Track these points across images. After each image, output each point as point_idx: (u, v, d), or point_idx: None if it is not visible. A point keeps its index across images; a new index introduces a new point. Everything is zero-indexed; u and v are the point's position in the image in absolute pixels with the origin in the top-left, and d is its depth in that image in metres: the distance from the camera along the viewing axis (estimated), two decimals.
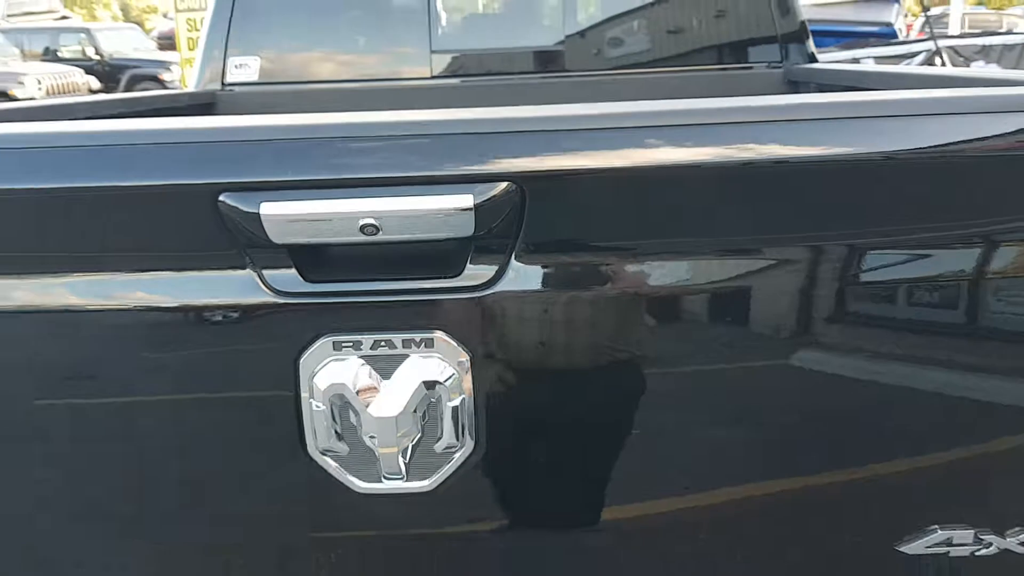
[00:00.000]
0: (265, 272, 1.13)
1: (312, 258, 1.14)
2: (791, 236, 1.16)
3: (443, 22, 3.29)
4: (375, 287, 1.15)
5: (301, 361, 1.15)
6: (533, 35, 3.41)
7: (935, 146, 1.12)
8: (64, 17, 26.65)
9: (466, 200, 1.07)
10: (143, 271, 1.16)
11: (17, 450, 1.21)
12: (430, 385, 1.15)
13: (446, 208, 1.07)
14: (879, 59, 9.27)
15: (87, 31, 21.09)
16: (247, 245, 1.11)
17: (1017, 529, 1.23)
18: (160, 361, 1.18)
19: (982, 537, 1.23)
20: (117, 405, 1.19)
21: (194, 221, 1.11)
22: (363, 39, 3.34)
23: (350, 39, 3.29)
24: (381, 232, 1.08)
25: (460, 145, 1.09)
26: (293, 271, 1.13)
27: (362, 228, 1.08)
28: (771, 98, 1.21)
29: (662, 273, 1.17)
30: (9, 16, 25.38)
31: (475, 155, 1.09)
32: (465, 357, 1.15)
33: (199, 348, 1.18)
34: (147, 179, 1.11)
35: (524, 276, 1.14)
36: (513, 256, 1.13)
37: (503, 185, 1.08)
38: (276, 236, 1.09)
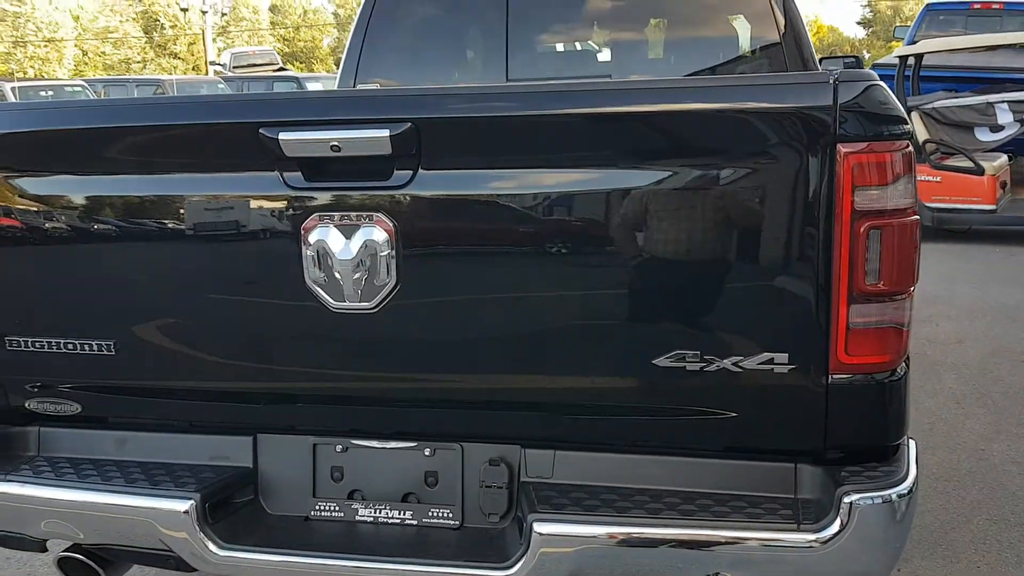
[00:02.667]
0: (283, 174, 2.02)
1: (309, 167, 2.01)
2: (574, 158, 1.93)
3: (517, 55, 4.18)
4: (343, 185, 2.01)
5: (302, 227, 2.02)
6: (592, 66, 4.26)
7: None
8: (282, 69, 30.01)
9: (384, 133, 1.91)
10: (218, 172, 2.08)
11: (137, 287, 2.16)
12: (371, 243, 1.99)
13: (374, 137, 1.92)
14: (1012, 103, 9.32)
15: (297, 80, 23.80)
16: (274, 158, 2.00)
17: (733, 357, 1.91)
18: (221, 229, 2.08)
19: (707, 358, 1.92)
20: (192, 253, 2.11)
21: (247, 143, 2.00)
22: (455, 71, 4.30)
23: (445, 70, 4.25)
24: (342, 150, 1.95)
25: (382, 102, 1.95)
26: (299, 174, 2.01)
27: (331, 147, 1.95)
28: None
29: (511, 183, 1.97)
30: (235, 68, 28.91)
31: (391, 107, 1.94)
32: (392, 227, 1.98)
33: (245, 221, 2.08)
34: (230, 119, 2.04)
35: (428, 180, 1.97)
36: (420, 167, 1.96)
37: (407, 124, 1.92)
38: (289, 152, 1.98)
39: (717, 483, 2.02)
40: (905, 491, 1.89)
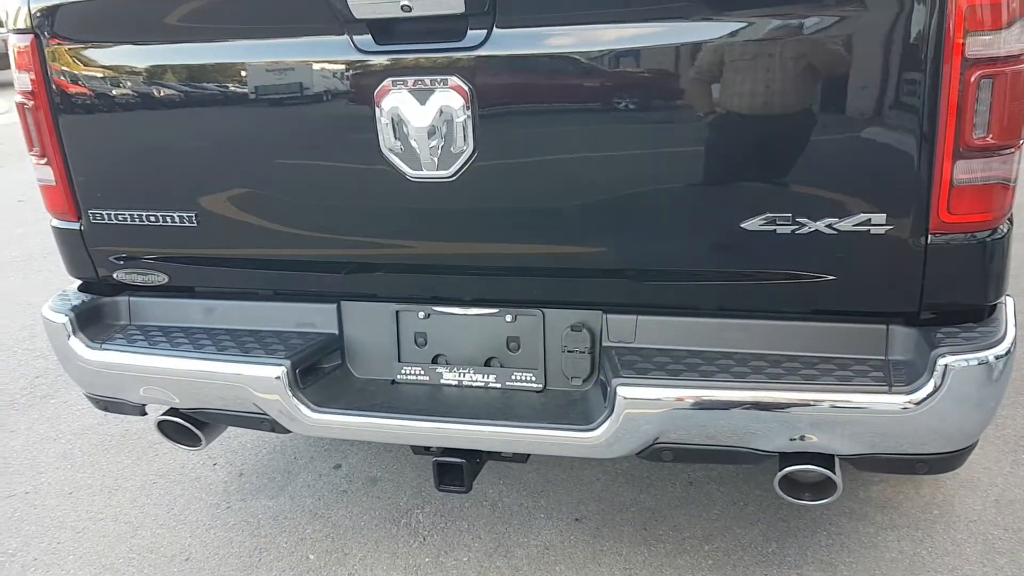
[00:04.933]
0: (353, 37, 1.94)
1: (380, 29, 1.92)
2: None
3: None
4: (415, 47, 1.92)
5: (375, 93, 1.96)
6: None
7: None
8: None
9: None
10: (288, 36, 2.01)
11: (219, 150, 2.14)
12: (447, 108, 1.93)
13: None
14: None
15: None
16: (344, 20, 1.92)
17: (827, 219, 1.84)
18: (294, 97, 2.03)
19: (799, 220, 1.85)
20: (265, 123, 2.07)
21: (315, 5, 1.92)
22: None
23: None
24: (413, 10, 1.85)
25: None
26: (369, 37, 1.93)
27: (402, 7, 1.85)
28: None
29: (590, 39, 1.86)
30: None
31: None
32: (468, 91, 1.91)
33: (318, 88, 2.02)
34: None
35: (504, 40, 1.87)
36: (495, 26, 1.86)
37: None
38: (358, 14, 1.89)
39: (805, 346, 1.99)
40: (1003, 352, 1.84)
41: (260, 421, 2.25)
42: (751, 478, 2.94)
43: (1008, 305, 1.98)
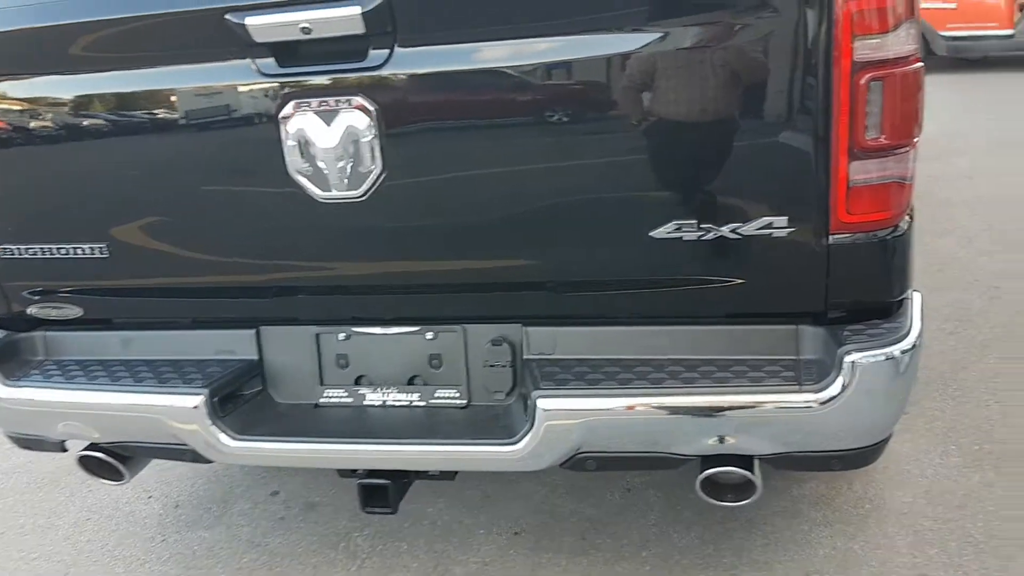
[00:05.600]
0: (256, 61, 1.93)
1: (282, 52, 1.92)
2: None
3: None
4: (318, 69, 1.92)
5: (280, 115, 1.95)
6: None
7: None
8: None
9: (355, 10, 1.81)
10: (191, 63, 1.99)
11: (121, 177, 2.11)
12: (353, 129, 1.92)
13: (345, 15, 1.82)
14: None
15: None
16: (246, 44, 1.91)
17: (731, 224, 1.86)
18: (201, 123, 2.01)
19: (704, 226, 1.87)
20: (171, 150, 2.05)
21: (215, 30, 1.90)
22: None
23: None
24: (313, 32, 1.85)
25: None
26: (272, 60, 1.92)
27: (301, 29, 1.85)
28: None
29: (492, 55, 1.87)
30: None
31: None
32: (373, 110, 1.91)
33: (224, 113, 2.00)
34: (193, 6, 1.93)
35: (406, 58, 1.88)
36: (396, 45, 1.87)
37: (379, 0, 1.81)
38: (258, 37, 1.88)
39: (720, 349, 2.01)
40: (908, 347, 1.88)
41: (181, 452, 2.22)
42: (688, 483, 2.96)
43: (915, 300, 2.03)
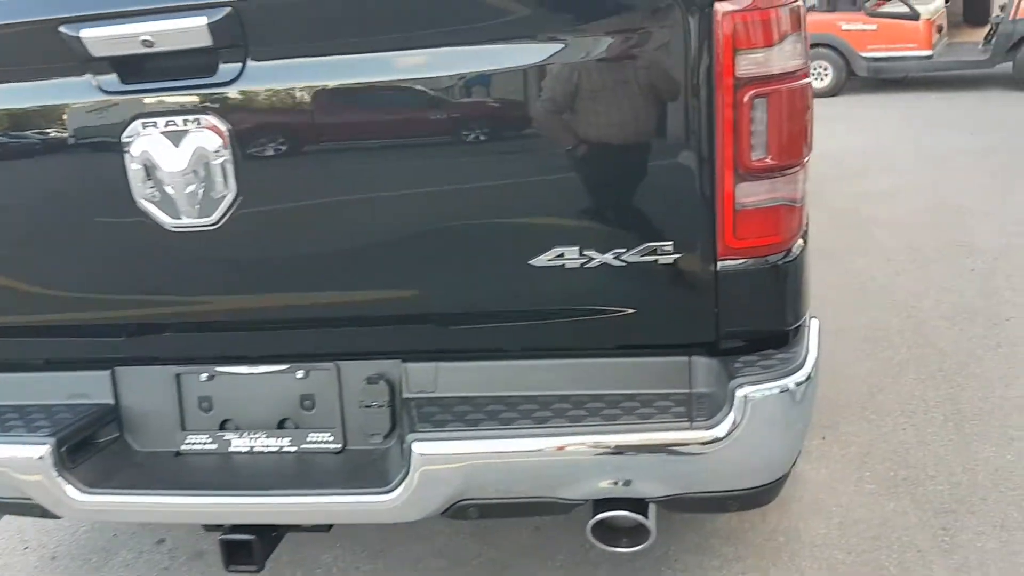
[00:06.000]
0: (97, 78, 1.75)
1: (124, 67, 1.74)
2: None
3: None
4: (164, 85, 1.75)
5: (123, 136, 1.77)
6: None
7: None
8: None
9: (201, 21, 1.65)
10: (27, 80, 1.80)
11: None
12: (203, 150, 1.76)
13: (190, 26, 1.66)
14: None
15: None
16: (83, 59, 1.73)
17: (614, 251, 1.74)
18: (39, 146, 1.83)
19: (586, 253, 1.74)
20: (10, 175, 1.86)
21: (49, 44, 1.72)
22: None
23: None
24: (156, 45, 1.68)
25: None
26: (114, 76, 1.75)
27: (143, 42, 1.68)
28: None
29: (353, 69, 1.72)
30: None
31: None
32: (225, 130, 1.74)
33: (63, 135, 1.82)
34: (23, 17, 1.75)
35: (260, 73, 1.72)
36: (249, 59, 1.71)
37: (226, 9, 1.65)
38: (96, 52, 1.71)
39: (610, 384, 1.88)
40: (803, 378, 1.77)
41: (29, 507, 2.00)
42: None
43: (812, 327, 1.93)
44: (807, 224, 1.92)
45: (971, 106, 8.54)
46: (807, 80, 1.71)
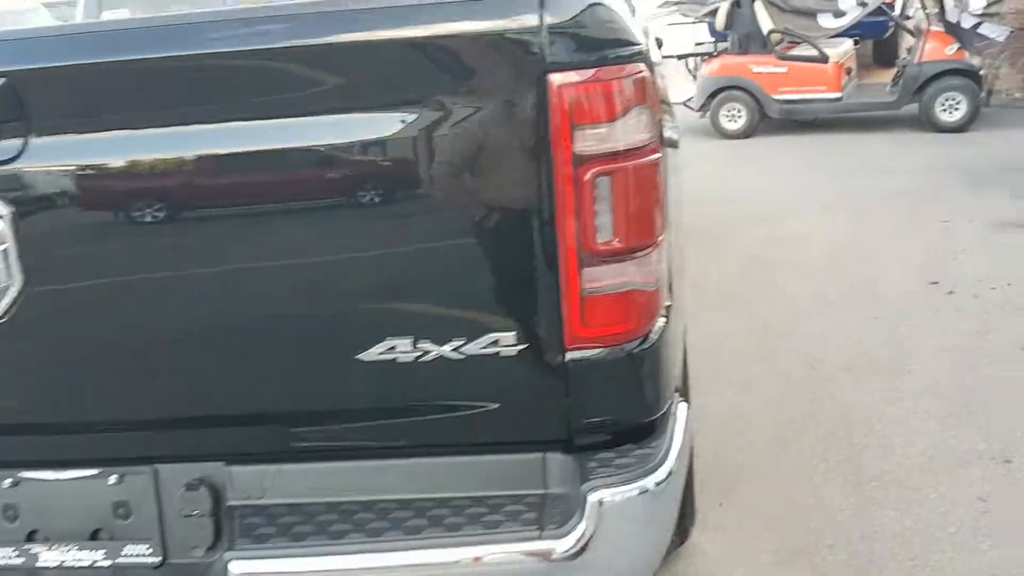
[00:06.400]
0: None
1: None
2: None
3: None
4: None
5: None
6: None
7: None
8: None
9: None
10: None
11: None
12: None
13: None
14: None
15: None
16: None
17: (453, 342, 1.57)
18: None
19: (420, 346, 1.57)
20: None
21: None
22: None
23: None
24: None
25: None
26: None
27: None
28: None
29: (159, 143, 1.54)
30: None
31: None
32: (7, 212, 1.53)
33: None
34: None
35: (45, 150, 1.52)
36: (32, 134, 1.51)
37: (0, 81, 1.45)
38: None
39: (460, 484, 1.70)
40: (663, 476, 1.62)
41: None
42: None
43: (679, 415, 1.78)
44: (674, 301, 1.79)
45: (880, 147, 8.68)
46: (656, 156, 1.58)
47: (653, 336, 1.66)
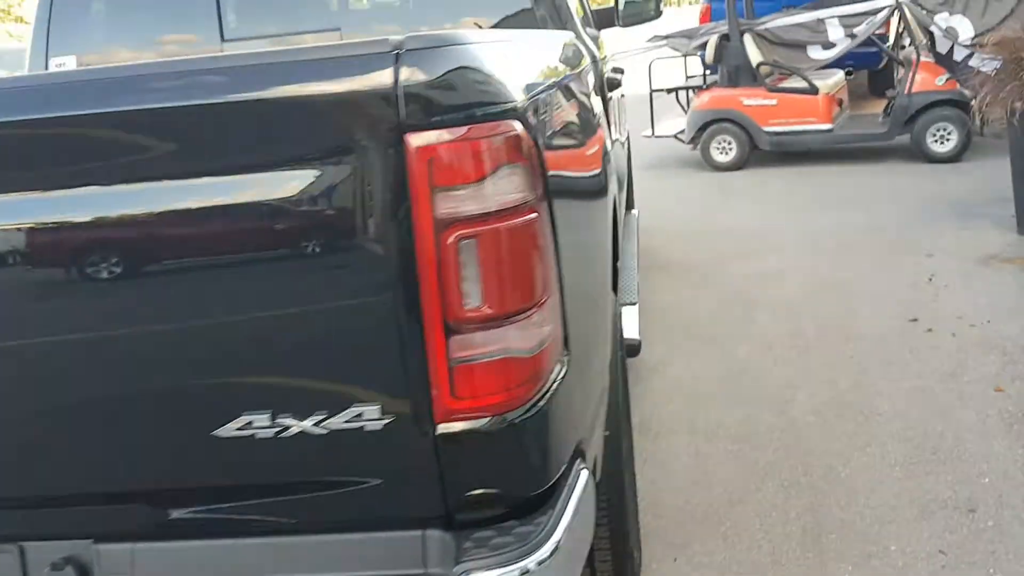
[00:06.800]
0: None
1: None
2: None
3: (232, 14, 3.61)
4: None
5: None
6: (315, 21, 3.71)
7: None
8: None
9: None
10: None
11: None
12: None
13: None
14: (843, 18, 9.18)
15: None
16: None
17: (314, 417, 1.49)
18: None
19: (280, 421, 1.49)
20: None
21: None
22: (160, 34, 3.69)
23: (149, 36, 3.65)
24: None
25: None
26: None
27: None
28: None
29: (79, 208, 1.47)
30: None
31: None
32: None
33: None
34: None
35: None
36: None
37: None
38: None
39: (339, 563, 1.61)
40: (545, 555, 1.52)
41: None
42: None
43: (578, 483, 1.69)
44: (571, 356, 1.70)
45: (870, 179, 8.58)
46: (533, 216, 1.50)
47: (540, 402, 1.57)
